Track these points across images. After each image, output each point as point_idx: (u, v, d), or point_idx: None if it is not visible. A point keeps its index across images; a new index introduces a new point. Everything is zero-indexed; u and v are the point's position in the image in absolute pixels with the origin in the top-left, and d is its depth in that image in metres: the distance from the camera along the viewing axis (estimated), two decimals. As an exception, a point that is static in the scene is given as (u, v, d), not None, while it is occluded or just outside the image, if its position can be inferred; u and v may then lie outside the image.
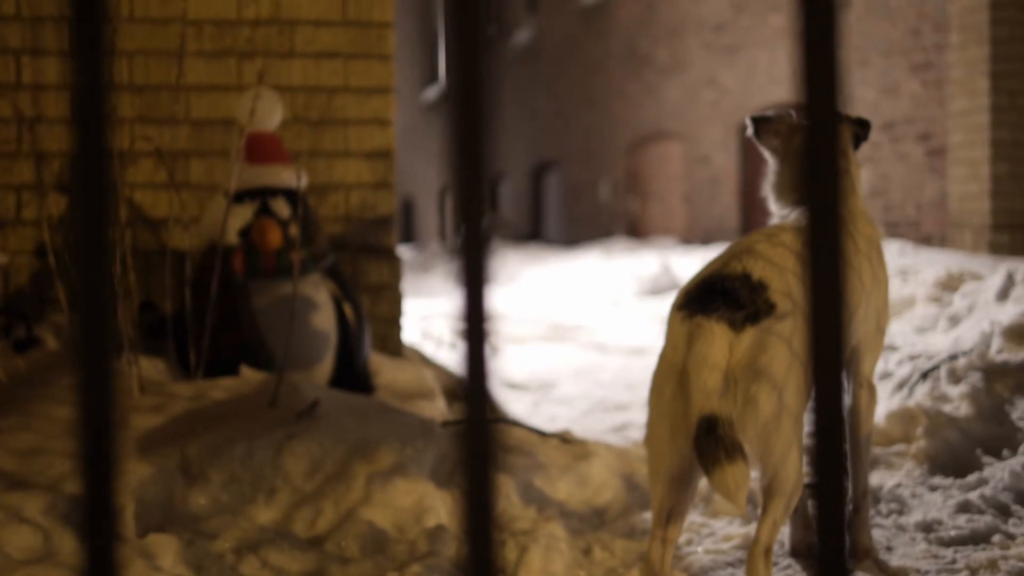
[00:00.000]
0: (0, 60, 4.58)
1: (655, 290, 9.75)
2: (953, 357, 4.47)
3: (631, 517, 3.49)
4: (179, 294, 4.13)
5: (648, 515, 3.21)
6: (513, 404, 5.50)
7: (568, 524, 3.32)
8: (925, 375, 4.43)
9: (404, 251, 16.66)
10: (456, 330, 0.93)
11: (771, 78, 11.01)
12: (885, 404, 4.27)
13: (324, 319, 4.16)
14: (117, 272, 3.74)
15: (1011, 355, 4.43)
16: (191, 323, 3.95)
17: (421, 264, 15.22)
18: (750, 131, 3.17)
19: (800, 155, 1.98)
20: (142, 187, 4.62)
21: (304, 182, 4.23)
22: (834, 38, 0.92)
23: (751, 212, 11.32)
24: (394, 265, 4.90)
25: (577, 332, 8.44)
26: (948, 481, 3.66)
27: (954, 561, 3.04)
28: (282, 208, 4.19)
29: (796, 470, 2.53)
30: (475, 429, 0.93)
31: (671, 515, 2.60)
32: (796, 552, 3.15)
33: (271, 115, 4.29)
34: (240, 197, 4.15)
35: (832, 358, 0.94)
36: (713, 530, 3.38)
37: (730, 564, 3.12)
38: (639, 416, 4.95)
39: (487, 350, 0.92)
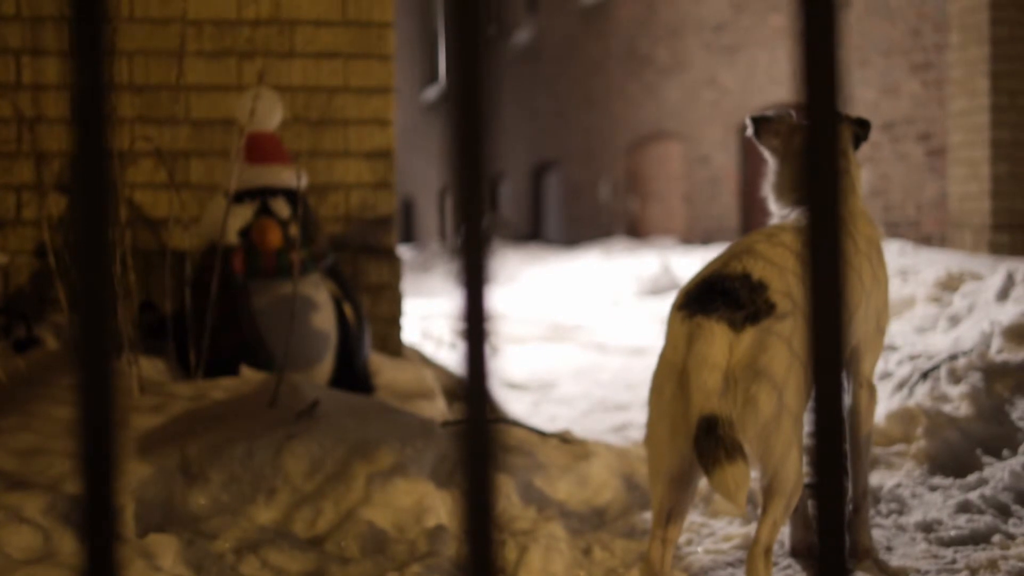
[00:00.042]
0: (0, 60, 4.58)
1: (655, 290, 9.74)
2: (953, 357, 4.46)
3: (631, 517, 3.48)
4: (179, 294, 4.13)
5: (648, 515, 3.21)
6: (513, 404, 5.50)
7: (568, 524, 3.31)
8: (925, 375, 4.43)
9: (404, 251, 16.65)
10: (456, 330, 0.93)
11: (771, 78, 11.01)
12: (885, 404, 4.27)
13: (324, 319, 4.16)
14: (117, 272, 3.74)
15: (1011, 355, 4.43)
16: (191, 323, 3.94)
17: (421, 264, 15.22)
18: (750, 131, 3.17)
19: (800, 155, 1.98)
20: (142, 187, 4.62)
21: (304, 182, 4.23)
22: (834, 38, 0.92)
23: (751, 212, 11.31)
24: (394, 265, 4.90)
25: (577, 332, 8.44)
26: (948, 481, 3.66)
27: (954, 561, 3.04)
28: (282, 208, 4.19)
29: (796, 470, 2.53)
30: (475, 429, 0.93)
31: (671, 515, 2.60)
32: (796, 552, 3.15)
33: (271, 115, 4.29)
34: (240, 197, 4.15)
35: (832, 358, 0.94)
36: (713, 530, 3.37)
37: (730, 564, 3.12)
38: (639, 416, 4.94)
39: (487, 350, 0.92)
